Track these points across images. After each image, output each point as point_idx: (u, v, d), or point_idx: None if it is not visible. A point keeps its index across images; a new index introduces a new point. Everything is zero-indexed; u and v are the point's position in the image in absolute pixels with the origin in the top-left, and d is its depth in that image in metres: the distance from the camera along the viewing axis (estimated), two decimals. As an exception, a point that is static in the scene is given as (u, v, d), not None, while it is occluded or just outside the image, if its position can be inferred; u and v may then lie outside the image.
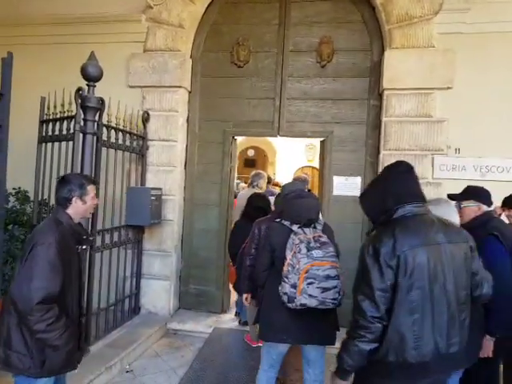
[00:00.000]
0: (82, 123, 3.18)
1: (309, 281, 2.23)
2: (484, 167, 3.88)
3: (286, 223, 2.47)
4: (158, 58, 4.32)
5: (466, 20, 3.83)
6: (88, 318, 3.44)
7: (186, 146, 4.59)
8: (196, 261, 4.58)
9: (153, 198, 4.02)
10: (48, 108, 3.49)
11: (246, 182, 7.08)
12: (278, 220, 2.57)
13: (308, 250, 2.29)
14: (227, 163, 4.52)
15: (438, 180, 3.94)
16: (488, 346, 2.29)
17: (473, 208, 2.47)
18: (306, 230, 2.41)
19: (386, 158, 4.03)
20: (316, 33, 4.31)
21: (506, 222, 2.95)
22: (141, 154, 4.27)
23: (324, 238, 2.40)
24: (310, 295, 2.23)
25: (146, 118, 4.30)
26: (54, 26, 4.35)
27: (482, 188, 2.61)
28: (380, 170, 4.07)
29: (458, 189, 3.79)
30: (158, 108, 4.36)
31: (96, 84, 3.20)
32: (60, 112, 3.37)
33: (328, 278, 2.26)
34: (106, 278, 3.76)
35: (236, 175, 5.21)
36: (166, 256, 4.42)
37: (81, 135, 3.18)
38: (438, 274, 1.69)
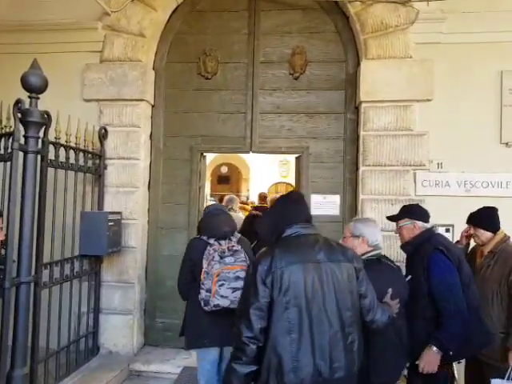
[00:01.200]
0: (22, 140, 2.74)
1: (220, 283, 2.45)
2: (468, 182, 3.68)
3: (204, 238, 2.68)
4: (117, 69, 3.94)
5: (443, 30, 3.68)
6: (34, 365, 2.95)
7: (150, 164, 4.18)
8: (162, 291, 4.10)
9: (111, 223, 3.57)
10: (-17, 124, 3.03)
11: (220, 200, 6.80)
12: (197, 236, 2.80)
13: (221, 258, 2.54)
14: (196, 182, 4.14)
15: (421, 197, 3.71)
16: (434, 361, 2.21)
17: (408, 226, 2.53)
18: (222, 241, 2.65)
19: (366, 174, 3.78)
20: (288, 43, 4.06)
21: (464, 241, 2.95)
22: (97, 174, 3.82)
23: (236, 247, 2.64)
24: (222, 296, 2.44)
25: (103, 135, 3.87)
26: (1, 33, 3.89)
27: (416, 205, 2.72)
28: (360, 186, 3.81)
29: (442, 206, 3.62)
30: (118, 123, 3.95)
31: (39, 96, 2.77)
32: (-3, 128, 2.92)
33: (237, 278, 2.47)
34: (57, 316, 3.26)
35: (209, 192, 4.95)
36: (128, 287, 3.94)
37: (21, 154, 2.73)
38: (316, 292, 1.68)
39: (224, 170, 17.41)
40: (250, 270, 1.75)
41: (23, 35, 3.92)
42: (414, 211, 2.62)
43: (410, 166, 3.73)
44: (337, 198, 4.02)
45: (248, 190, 15.54)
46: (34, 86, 2.71)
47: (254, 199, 9.84)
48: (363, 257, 2.15)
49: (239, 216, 4.86)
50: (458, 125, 3.68)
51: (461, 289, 2.26)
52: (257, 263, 1.73)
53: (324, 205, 4.04)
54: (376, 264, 2.18)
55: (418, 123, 3.73)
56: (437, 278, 2.25)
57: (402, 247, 2.65)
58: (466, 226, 2.89)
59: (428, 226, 2.54)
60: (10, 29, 3.91)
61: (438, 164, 3.73)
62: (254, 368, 1.67)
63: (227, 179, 18.17)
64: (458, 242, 3.02)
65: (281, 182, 15.16)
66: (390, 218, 2.73)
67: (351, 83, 3.97)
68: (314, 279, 1.69)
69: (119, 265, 3.93)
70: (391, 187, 3.74)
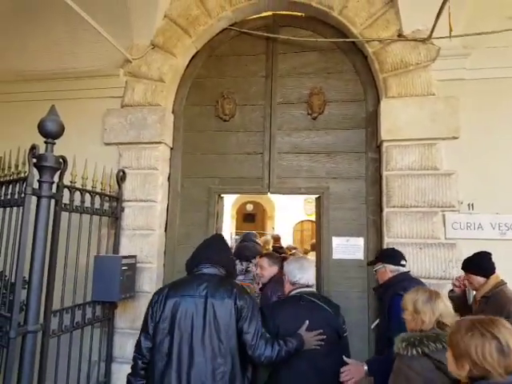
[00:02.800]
0: (36, 185, 2.75)
1: None
2: (503, 225, 3.38)
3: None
4: (137, 113, 4.01)
5: (466, 66, 3.55)
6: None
7: (167, 206, 4.14)
8: (177, 339, 3.91)
9: (125, 267, 3.48)
10: (3, 169, 3.09)
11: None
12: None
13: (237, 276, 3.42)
14: (213, 224, 4.04)
15: (452, 240, 3.43)
16: (356, 374, 2.23)
17: (381, 270, 2.72)
18: (244, 263, 3.62)
19: (391, 216, 3.56)
20: (305, 84, 4.03)
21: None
22: (114, 216, 3.80)
23: (251, 268, 3.41)
24: None
25: (121, 177, 3.89)
26: (25, 82, 4.10)
27: (390, 249, 2.93)
28: (385, 229, 3.57)
29: (475, 250, 3.31)
30: (136, 166, 3.97)
31: (55, 141, 2.80)
32: (13, 173, 2.96)
33: None
34: (66, 365, 3.12)
35: (235, 231, 5.24)
36: (141, 335, 3.77)
37: (34, 199, 2.73)
38: (190, 323, 1.94)
39: (249, 207, 17.38)
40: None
41: (48, 83, 4.09)
42: (385, 254, 2.82)
43: (439, 207, 3.48)
44: (360, 241, 3.78)
45: (273, 228, 15.35)
46: (50, 132, 2.75)
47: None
48: (290, 294, 2.44)
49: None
50: (489, 163, 3.45)
51: None
52: (153, 295, 2.16)
53: (347, 248, 3.81)
54: (296, 300, 2.36)
55: (445, 162, 3.52)
56: (393, 321, 2.31)
57: (374, 290, 2.89)
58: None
59: (402, 269, 2.68)
60: (38, 78, 4.10)
61: (468, 205, 3.47)
62: (141, 382, 2.01)
63: (252, 217, 18.09)
64: (451, 290, 3.05)
65: (306, 220, 14.91)
66: (369, 263, 3.00)
67: (371, 122, 3.85)
68: (191, 312, 1.97)
69: (133, 311, 3.79)
70: (419, 230, 3.48)
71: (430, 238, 3.47)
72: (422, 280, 3.39)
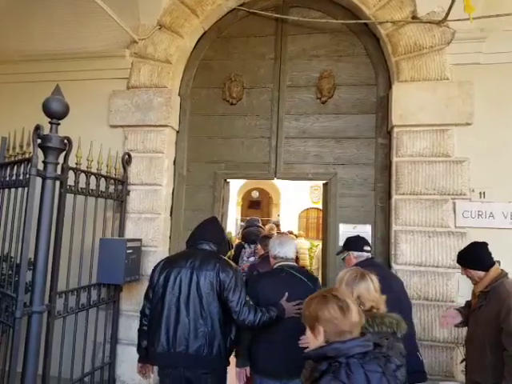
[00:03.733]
0: (41, 166, 2.72)
1: None
2: (516, 214, 3.30)
3: (242, 243, 4.08)
4: (142, 95, 3.95)
5: (483, 50, 3.43)
6: (44, 400, 2.83)
7: (173, 190, 4.10)
8: (181, 323, 3.92)
9: (129, 251, 3.47)
10: (8, 150, 3.06)
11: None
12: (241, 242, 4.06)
13: (248, 258, 4.45)
14: (218, 209, 4.00)
15: (462, 229, 3.37)
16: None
17: (347, 257, 2.82)
18: (251, 245, 4.35)
19: (400, 203, 3.49)
20: (315, 67, 3.93)
21: None
22: (119, 200, 3.78)
23: (257, 250, 3.84)
24: None
25: (126, 160, 3.85)
26: (29, 63, 4.05)
27: (354, 236, 2.97)
28: (393, 216, 3.52)
29: (486, 239, 3.23)
30: (141, 149, 3.93)
31: (60, 122, 2.76)
32: (18, 154, 2.93)
33: None
34: (72, 346, 3.15)
35: (240, 217, 5.45)
36: (146, 318, 3.79)
37: (39, 180, 2.71)
38: (177, 289, 2.35)
39: (255, 194, 17.35)
40: None
41: (53, 64, 4.05)
42: (348, 242, 2.89)
43: (449, 194, 3.41)
44: (368, 229, 3.73)
45: (278, 215, 15.33)
46: (55, 112, 2.71)
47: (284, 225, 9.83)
48: (273, 267, 2.68)
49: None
50: (502, 150, 3.37)
51: None
52: (155, 265, 2.58)
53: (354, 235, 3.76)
54: (277, 273, 2.60)
55: (457, 149, 3.43)
56: None
57: None
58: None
59: (366, 255, 2.76)
60: (43, 58, 4.04)
61: (480, 193, 3.39)
62: (145, 336, 2.46)
63: (258, 204, 18.07)
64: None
65: (312, 208, 14.86)
66: (336, 254, 3.08)
67: (382, 107, 3.76)
68: (179, 280, 2.36)
69: (138, 294, 3.78)
70: (428, 218, 3.42)
71: (440, 226, 3.41)
72: (430, 269, 3.37)
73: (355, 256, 2.77)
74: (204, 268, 2.36)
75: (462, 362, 2.79)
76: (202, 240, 2.53)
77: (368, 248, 2.84)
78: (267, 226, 6.56)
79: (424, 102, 3.46)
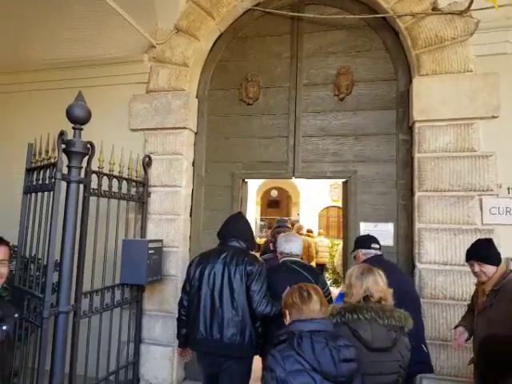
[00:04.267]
0: (65, 170, 2.80)
1: None
2: (546, 210, 3.16)
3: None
4: (161, 98, 4.01)
5: (509, 39, 3.29)
6: (72, 397, 2.91)
7: (192, 191, 4.15)
8: (203, 323, 3.95)
9: (151, 251, 3.52)
10: (34, 155, 3.17)
11: (270, 226, 8.44)
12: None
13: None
14: (237, 209, 4.00)
15: (490, 226, 3.24)
16: None
17: (357, 255, 2.94)
18: None
19: (423, 201, 3.40)
20: (332, 64, 3.88)
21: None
22: (141, 201, 3.85)
23: None
24: None
25: (147, 163, 3.92)
26: (53, 71, 4.18)
27: (364, 235, 3.13)
28: (416, 214, 3.43)
29: (513, 236, 3.14)
30: (161, 151, 3.99)
31: (83, 127, 2.83)
32: (44, 159, 3.03)
33: None
34: (97, 345, 3.22)
35: (259, 217, 6.02)
36: (168, 317, 3.83)
37: (64, 184, 2.79)
38: (211, 282, 2.59)
39: (274, 194, 17.31)
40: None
41: (75, 71, 4.18)
42: (357, 240, 3.03)
43: (475, 191, 3.30)
44: (390, 227, 3.65)
45: (298, 214, 15.24)
46: (78, 117, 2.78)
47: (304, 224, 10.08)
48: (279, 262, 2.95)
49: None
50: (532, 144, 3.22)
51: None
52: (190, 261, 2.83)
53: (375, 234, 3.67)
54: (282, 267, 2.86)
55: (483, 143, 3.31)
56: None
57: None
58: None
59: (374, 252, 2.85)
60: (66, 66, 4.17)
61: (508, 189, 3.26)
62: (183, 325, 2.73)
63: (277, 203, 18.03)
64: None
65: (332, 206, 14.69)
66: (350, 252, 3.19)
67: (402, 102, 3.67)
68: (213, 274, 2.60)
69: (160, 294, 3.86)
70: (453, 215, 3.32)
71: (466, 223, 3.30)
72: (456, 268, 3.26)
73: (363, 253, 2.89)
74: (234, 263, 2.60)
75: (470, 363, 2.68)
76: (232, 237, 2.75)
77: (376, 246, 2.92)
78: (296, 226, 7.59)
79: (447, 95, 3.36)
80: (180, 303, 2.75)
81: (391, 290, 2.04)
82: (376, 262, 2.68)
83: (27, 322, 2.98)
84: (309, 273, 2.79)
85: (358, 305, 1.96)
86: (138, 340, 3.84)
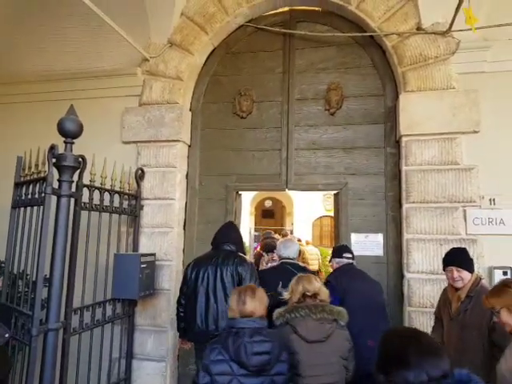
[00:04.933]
0: (56, 185, 2.75)
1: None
2: (527, 220, 3.31)
3: (261, 252, 4.91)
4: (155, 111, 4.04)
5: (487, 58, 3.48)
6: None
7: (186, 204, 4.16)
8: (196, 336, 3.93)
9: (144, 265, 3.50)
10: (24, 169, 3.13)
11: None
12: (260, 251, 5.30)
13: (266, 264, 5.05)
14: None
15: (473, 236, 3.38)
16: None
17: (332, 264, 3.21)
18: (269, 253, 5.19)
19: (411, 212, 3.52)
20: (323, 79, 4.01)
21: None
22: (133, 214, 3.83)
23: (275, 258, 4.27)
24: None
25: (140, 176, 3.92)
26: (43, 82, 4.16)
27: (338, 245, 3.45)
28: (404, 225, 3.54)
29: (497, 246, 3.28)
30: (154, 164, 4.00)
31: (74, 141, 2.80)
32: (34, 173, 2.99)
33: None
34: (87, 363, 3.16)
35: (254, 227, 6.39)
36: (161, 332, 3.81)
37: (54, 198, 2.73)
38: (205, 282, 2.96)
39: (268, 204, 17.36)
40: None
41: (67, 83, 4.17)
42: (332, 250, 3.32)
43: (459, 202, 3.44)
44: (380, 238, 3.76)
45: (292, 224, 15.32)
46: (69, 131, 2.74)
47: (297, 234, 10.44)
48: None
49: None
50: (511, 156, 3.39)
51: None
52: (187, 265, 3.22)
53: (366, 244, 3.79)
54: (279, 267, 3.24)
55: (466, 156, 3.47)
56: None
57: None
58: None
59: (346, 261, 3.10)
60: (58, 78, 4.15)
61: (490, 200, 3.41)
62: (181, 321, 3.11)
63: (271, 213, 18.05)
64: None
65: (325, 216, 14.84)
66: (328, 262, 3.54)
67: (390, 117, 3.81)
68: (207, 275, 2.97)
69: (153, 308, 3.83)
70: (439, 226, 3.44)
71: (451, 233, 3.43)
72: (442, 277, 3.33)
73: (336, 262, 3.14)
74: (225, 263, 2.96)
75: None
76: (223, 242, 3.11)
77: (348, 255, 3.15)
78: (282, 234, 8.29)
79: (431, 111, 3.51)
80: (178, 302, 3.13)
81: (327, 292, 2.39)
82: (346, 269, 3.08)
83: (14, 341, 2.89)
84: (300, 271, 2.97)
85: (295, 305, 2.30)
86: (130, 356, 3.78)
